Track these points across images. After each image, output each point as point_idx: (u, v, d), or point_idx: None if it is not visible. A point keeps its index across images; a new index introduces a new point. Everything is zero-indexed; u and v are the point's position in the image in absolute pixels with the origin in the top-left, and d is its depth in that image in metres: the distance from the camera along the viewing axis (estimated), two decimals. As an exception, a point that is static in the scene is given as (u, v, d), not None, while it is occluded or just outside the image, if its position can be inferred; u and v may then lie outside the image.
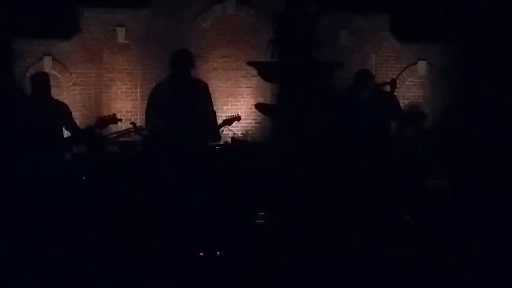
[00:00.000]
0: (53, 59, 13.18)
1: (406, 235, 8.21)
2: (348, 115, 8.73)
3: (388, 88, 10.81)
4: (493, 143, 11.71)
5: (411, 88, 15.01)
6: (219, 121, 8.37)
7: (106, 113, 8.37)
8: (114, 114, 7.97)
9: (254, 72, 11.28)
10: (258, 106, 11.46)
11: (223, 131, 9.79)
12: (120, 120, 8.09)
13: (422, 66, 14.96)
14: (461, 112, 13.91)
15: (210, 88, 8.12)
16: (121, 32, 13.85)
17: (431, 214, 9.09)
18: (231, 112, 11.31)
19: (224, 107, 13.35)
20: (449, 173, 10.73)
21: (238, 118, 8.82)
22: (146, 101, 8.09)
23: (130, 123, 10.35)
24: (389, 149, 8.87)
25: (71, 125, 7.97)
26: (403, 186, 9.42)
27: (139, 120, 11.91)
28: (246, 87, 14.41)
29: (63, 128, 7.96)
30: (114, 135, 10.70)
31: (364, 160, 8.26)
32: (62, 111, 7.97)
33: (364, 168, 8.25)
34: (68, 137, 7.93)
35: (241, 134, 13.09)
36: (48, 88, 7.99)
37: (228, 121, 8.61)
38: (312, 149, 8.80)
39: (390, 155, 8.88)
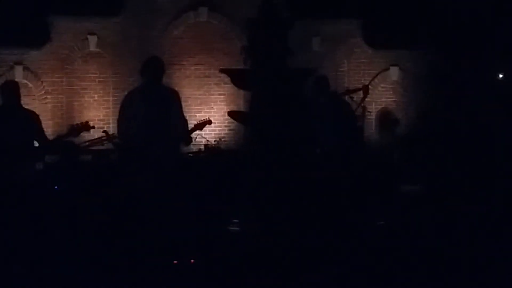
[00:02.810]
0: (24, 68, 13.07)
1: (380, 240, 8.22)
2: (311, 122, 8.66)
3: (360, 94, 10.84)
4: (467, 147, 11.79)
5: (383, 93, 15.08)
6: (191, 127, 8.32)
7: (78, 121, 8.29)
8: (87, 122, 7.92)
9: (227, 79, 11.26)
10: (231, 113, 11.44)
11: (195, 138, 9.78)
12: (93, 127, 8.04)
13: (394, 71, 15.03)
14: (433, 117, 13.99)
15: (182, 96, 8.11)
16: (92, 40, 13.78)
17: (406, 219, 9.11)
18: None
19: (197, 115, 13.28)
20: (423, 178, 10.77)
21: (209, 122, 8.77)
22: (118, 109, 8.04)
23: (103, 131, 10.29)
24: (359, 155, 8.87)
25: (41, 135, 7.90)
26: (377, 192, 9.44)
27: (112, 128, 11.84)
28: (219, 94, 14.39)
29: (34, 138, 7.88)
30: (87, 143, 10.63)
31: (337, 166, 8.25)
32: (32, 120, 7.90)
33: (338, 174, 8.25)
34: (39, 146, 7.86)
35: (214, 141, 13.07)
36: (18, 97, 7.93)
37: (199, 126, 8.56)
38: (286, 156, 8.79)
39: (362, 161, 8.89)
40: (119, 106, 8.11)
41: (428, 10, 14.49)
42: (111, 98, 13.74)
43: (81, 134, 8.01)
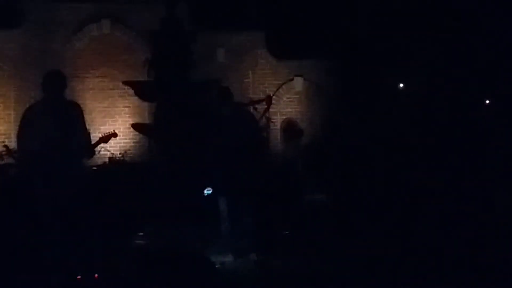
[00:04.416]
0: None
1: (286, 250, 8.29)
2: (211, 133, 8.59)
3: (264, 104, 10.90)
4: (369, 156, 11.98)
5: (288, 104, 15.23)
6: (95, 140, 8.24)
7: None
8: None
9: (131, 91, 11.21)
10: (135, 126, 11.39)
11: (100, 150, 9.67)
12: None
13: (298, 82, 15.21)
14: (337, 127, 14.19)
15: (86, 109, 8.03)
16: (-8, 53, 13.51)
17: (310, 229, 9.21)
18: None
19: (101, 127, 13.13)
20: (327, 188, 10.90)
21: (114, 135, 8.68)
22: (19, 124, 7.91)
23: (3, 146, 10.11)
24: (262, 165, 8.90)
25: None
26: (282, 202, 9.51)
27: (13, 143, 11.62)
28: (123, 107, 14.27)
29: None
30: (-14, 159, 10.44)
31: (239, 177, 8.24)
32: None
33: (241, 185, 8.24)
34: None
35: (119, 154, 12.95)
36: None
37: (104, 139, 8.48)
38: (190, 167, 8.78)
39: (266, 170, 8.94)
40: (20, 120, 7.97)
41: (331, 21, 14.73)
42: (12, 112, 13.47)
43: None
